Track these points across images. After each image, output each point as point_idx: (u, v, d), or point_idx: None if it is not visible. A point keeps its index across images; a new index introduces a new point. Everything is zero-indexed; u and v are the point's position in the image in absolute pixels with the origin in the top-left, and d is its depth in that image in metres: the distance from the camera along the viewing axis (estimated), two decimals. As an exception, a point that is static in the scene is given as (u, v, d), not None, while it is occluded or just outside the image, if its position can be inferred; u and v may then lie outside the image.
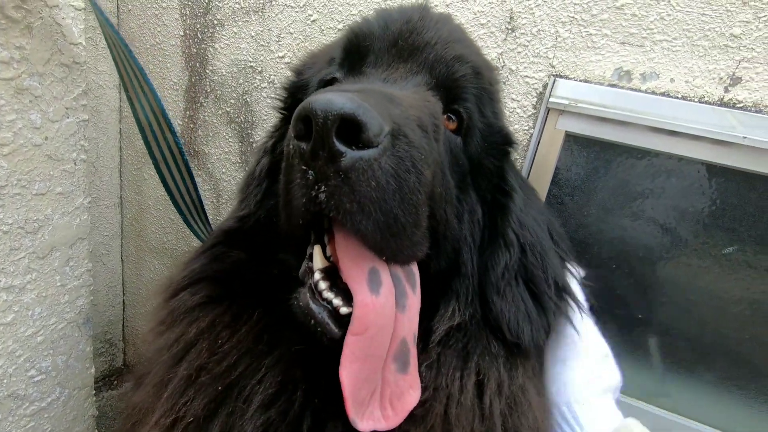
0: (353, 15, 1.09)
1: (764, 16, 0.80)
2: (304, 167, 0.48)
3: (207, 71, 1.30)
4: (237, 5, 1.21)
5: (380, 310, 0.51)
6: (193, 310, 0.69)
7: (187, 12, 1.28)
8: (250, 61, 1.23)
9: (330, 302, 0.54)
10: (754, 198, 0.87)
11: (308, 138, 0.46)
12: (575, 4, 0.90)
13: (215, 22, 1.25)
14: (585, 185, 0.99)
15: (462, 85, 0.67)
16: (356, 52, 0.70)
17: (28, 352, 1.10)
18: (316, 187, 0.47)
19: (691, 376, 1.00)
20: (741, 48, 0.82)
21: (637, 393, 1.04)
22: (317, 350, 0.55)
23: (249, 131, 1.30)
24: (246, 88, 1.26)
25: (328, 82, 0.71)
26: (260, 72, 1.23)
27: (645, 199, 0.95)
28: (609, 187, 0.97)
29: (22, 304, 1.05)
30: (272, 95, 1.23)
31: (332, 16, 1.11)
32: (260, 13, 1.19)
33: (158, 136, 1.03)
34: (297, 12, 1.15)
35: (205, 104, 1.34)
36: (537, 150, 0.98)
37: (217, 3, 1.23)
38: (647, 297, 1.00)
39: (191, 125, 1.37)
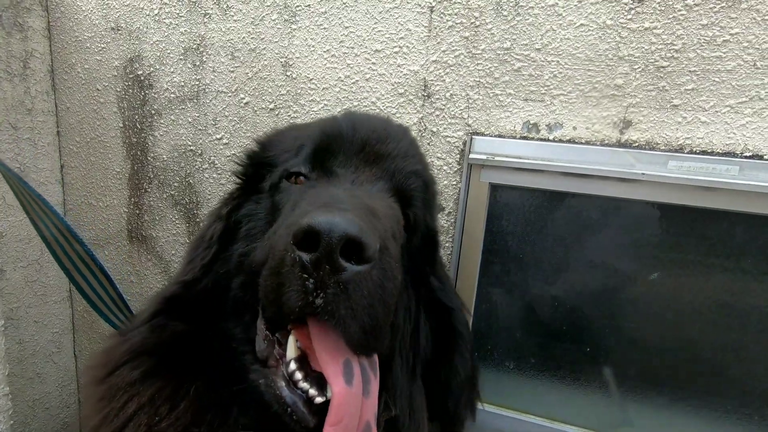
0: (282, 95, 1.15)
1: (639, 68, 0.90)
2: (304, 275, 0.52)
3: (149, 158, 1.33)
4: (172, 95, 1.26)
5: (353, 399, 0.56)
6: (133, 384, 0.68)
7: (125, 105, 1.32)
8: (190, 145, 1.27)
9: (306, 392, 0.58)
10: (665, 226, 0.95)
11: (311, 250, 0.52)
12: (479, 70, 1.00)
13: (153, 111, 1.29)
14: (516, 230, 1.04)
15: (415, 195, 0.78)
16: (326, 151, 0.76)
17: None
18: (315, 294, 0.52)
19: (646, 401, 1.02)
20: (626, 96, 0.92)
21: (600, 425, 1.05)
22: None
23: (195, 211, 1.31)
24: (188, 171, 1.29)
25: (295, 175, 0.76)
26: (200, 154, 1.27)
27: (572, 237, 1.01)
28: (537, 230, 1.03)
29: None
30: (214, 175, 1.27)
31: (263, 98, 1.17)
32: (195, 100, 1.24)
33: (66, 248, 1.06)
34: (230, 96, 1.21)
35: (149, 190, 1.35)
36: (467, 202, 1.04)
37: (153, 94, 1.28)
38: (592, 330, 1.04)
39: (137, 211, 1.38)
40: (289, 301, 0.53)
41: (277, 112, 1.17)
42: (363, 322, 0.54)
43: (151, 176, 1.34)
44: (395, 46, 1.05)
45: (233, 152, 1.23)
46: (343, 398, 0.54)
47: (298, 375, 0.58)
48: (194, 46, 1.21)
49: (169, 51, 1.24)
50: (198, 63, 1.22)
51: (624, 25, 0.90)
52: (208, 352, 0.70)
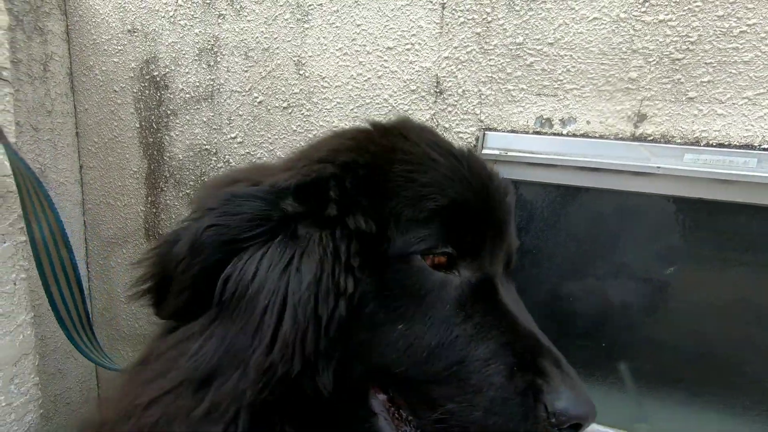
0: (295, 93, 1.17)
1: (653, 60, 0.90)
2: None
3: (165, 157, 1.36)
4: (187, 95, 1.28)
5: None
6: None
7: (141, 106, 1.35)
8: (205, 144, 1.30)
9: None
10: (681, 220, 0.94)
11: (562, 429, 0.54)
12: (491, 65, 1.00)
13: (168, 112, 1.32)
14: (529, 225, 1.04)
15: None
16: (472, 240, 0.63)
17: None
18: None
19: (662, 397, 1.02)
20: (640, 89, 0.92)
21: (616, 421, 1.05)
22: None
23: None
24: (203, 170, 1.31)
25: (439, 256, 0.61)
26: (215, 153, 1.29)
27: (586, 232, 1.01)
28: (551, 225, 1.03)
29: None
30: (228, 174, 1.29)
31: (276, 97, 1.19)
32: (210, 100, 1.26)
33: (52, 254, 1.06)
34: (244, 96, 1.22)
35: (165, 189, 1.38)
36: (480, 198, 1.04)
37: (168, 95, 1.31)
38: (607, 325, 1.04)
39: (154, 210, 1.41)
40: None
41: (290, 111, 1.18)
42: None
43: (168, 175, 1.37)
44: (407, 43, 1.05)
45: (247, 151, 1.25)
46: None
47: None
48: (209, 47, 1.23)
49: (184, 52, 1.26)
50: (212, 63, 1.24)
51: (638, 18, 0.89)
52: None
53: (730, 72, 0.86)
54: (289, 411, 0.56)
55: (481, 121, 1.03)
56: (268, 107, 1.20)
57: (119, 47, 1.34)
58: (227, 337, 0.56)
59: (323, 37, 1.12)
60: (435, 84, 1.05)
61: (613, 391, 1.05)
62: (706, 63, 0.87)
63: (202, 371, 0.55)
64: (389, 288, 0.59)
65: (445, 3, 1.01)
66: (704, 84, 0.88)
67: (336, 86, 1.13)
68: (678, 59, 0.88)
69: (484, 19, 0.99)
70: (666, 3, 0.87)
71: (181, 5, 1.23)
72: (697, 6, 0.85)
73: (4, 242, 1.06)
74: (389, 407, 0.61)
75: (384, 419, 0.60)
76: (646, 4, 0.88)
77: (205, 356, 0.55)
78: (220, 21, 1.20)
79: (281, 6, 1.14)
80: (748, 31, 0.83)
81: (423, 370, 0.58)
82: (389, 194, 0.61)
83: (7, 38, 1.06)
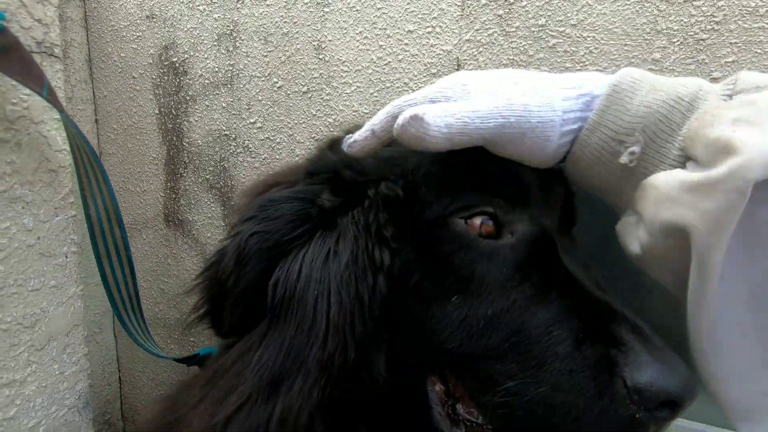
0: (315, 78, 1.17)
1: (677, 41, 0.90)
2: (642, 430, 0.46)
3: (184, 143, 1.37)
4: (206, 80, 1.29)
5: None
6: None
7: (160, 92, 1.36)
8: (224, 130, 1.31)
9: None
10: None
11: (661, 410, 0.46)
12: (513, 48, 1.00)
13: (187, 98, 1.33)
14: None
15: None
16: (517, 187, 0.59)
17: None
18: None
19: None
20: (663, 70, 0.92)
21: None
22: None
23: (229, 195, 1.35)
24: (223, 155, 1.33)
25: (479, 216, 0.56)
26: (234, 139, 1.30)
27: (605, 218, 1.01)
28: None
29: (24, 397, 1.08)
30: (248, 159, 1.30)
31: (296, 81, 1.20)
32: (229, 86, 1.27)
33: (106, 232, 1.09)
34: (263, 81, 1.23)
35: (184, 174, 1.39)
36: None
37: (187, 80, 1.32)
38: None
39: (173, 196, 1.42)
40: None
41: (310, 95, 1.19)
42: None
43: (187, 161, 1.38)
44: (428, 26, 1.06)
45: (267, 136, 1.26)
46: None
47: None
48: (228, 32, 1.24)
49: (203, 37, 1.27)
50: (231, 48, 1.24)
51: (662, -2, 0.89)
52: None
53: (756, 52, 0.86)
54: (358, 408, 0.55)
55: (502, 104, 1.03)
56: (288, 92, 1.21)
57: (137, 33, 1.34)
58: (285, 339, 0.55)
59: (343, 21, 1.12)
60: (456, 67, 1.05)
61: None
62: (731, 43, 0.87)
63: (267, 379, 0.54)
64: (433, 257, 0.55)
65: (466, -15, 1.01)
66: (729, 64, 0.88)
67: (356, 70, 1.13)
68: (702, 39, 0.88)
69: (506, 0, 0.99)
70: (691, -17, 0.87)
71: (199, -10, 1.24)
72: (724, -15, 0.85)
73: (57, 216, 1.10)
74: (445, 401, 0.55)
75: (438, 413, 0.55)
76: (671, -16, 0.88)
77: (267, 364, 0.55)
78: (239, 6, 1.21)
79: (301, -10, 1.14)
80: (775, 10, 0.83)
81: (479, 344, 0.52)
82: (407, 151, 0.57)
83: (58, 15, 1.08)
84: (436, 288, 0.54)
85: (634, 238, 0.53)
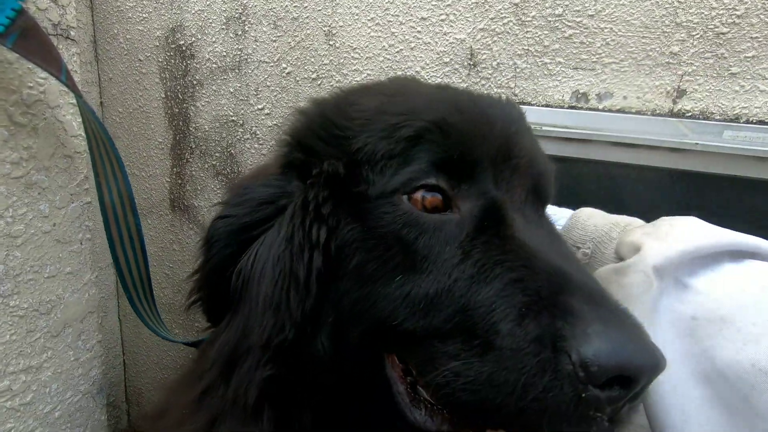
0: (325, 65, 1.16)
1: (697, 34, 0.88)
2: (597, 414, 0.42)
3: (190, 128, 1.36)
4: (214, 65, 1.27)
5: None
6: None
7: (167, 75, 1.34)
8: (232, 116, 1.29)
9: None
10: (714, 197, 0.94)
11: (614, 388, 0.41)
12: (528, 38, 0.98)
13: (194, 82, 1.31)
14: (562, 202, 1.04)
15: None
16: (464, 161, 0.55)
17: (48, 428, 1.14)
18: (598, 425, 0.42)
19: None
20: (681, 64, 0.90)
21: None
22: None
23: (236, 181, 1.34)
24: (229, 141, 1.32)
25: (425, 189, 0.54)
26: (242, 125, 1.29)
27: (619, 208, 1.01)
28: (583, 201, 1.03)
29: (40, 383, 1.09)
30: (256, 146, 1.28)
31: (305, 68, 1.18)
32: (237, 71, 1.25)
33: (119, 218, 1.09)
34: (272, 66, 1.21)
35: (191, 160, 1.38)
36: (511, 173, 1.04)
37: (195, 64, 1.30)
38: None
39: (179, 181, 1.42)
40: (553, 427, 0.42)
41: (319, 82, 1.17)
42: None
43: (193, 146, 1.37)
44: (441, 14, 1.04)
45: (275, 122, 1.24)
46: None
47: None
48: (236, 15, 1.21)
49: (211, 20, 1.25)
50: (240, 32, 1.22)
51: (683, -10, 0.87)
52: None
53: (776, 47, 0.84)
54: (310, 387, 0.55)
55: (516, 95, 1.02)
56: (297, 78, 1.19)
57: (144, 15, 1.32)
58: (240, 322, 0.57)
59: (355, 7, 1.10)
60: (469, 56, 1.04)
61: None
62: (751, 37, 0.85)
63: (225, 361, 0.57)
64: (376, 236, 0.52)
65: (481, -28, 0.99)
66: (748, 59, 0.86)
67: (367, 57, 1.11)
68: (722, 33, 0.87)
69: (522, -11, 0.97)
70: (714, -26, 0.85)
71: (208, -28, 1.21)
72: (747, -22, 0.83)
73: (72, 203, 1.10)
74: (404, 380, 0.53)
75: (398, 393, 0.53)
76: (693, -24, 0.86)
77: (226, 347, 0.57)
78: (248, -11, 1.19)
79: (312, -26, 1.12)
80: (799, 4, 0.81)
81: (423, 324, 0.49)
82: (355, 131, 0.56)
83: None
84: (379, 268, 0.52)
85: None
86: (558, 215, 0.78)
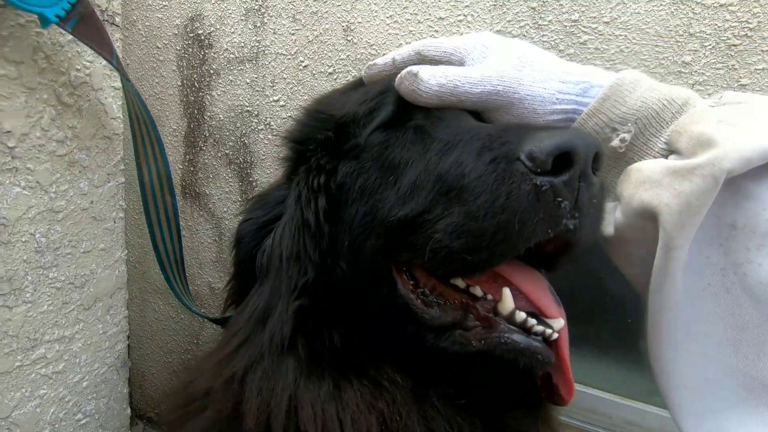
0: (342, 60, 1.18)
1: (709, 45, 0.90)
2: (558, 199, 0.48)
3: (205, 117, 1.38)
4: (232, 55, 1.29)
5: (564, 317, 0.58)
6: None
7: (184, 63, 1.36)
8: (247, 106, 1.31)
9: (542, 333, 0.55)
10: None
11: (563, 172, 0.47)
12: (543, 41, 1.00)
13: (211, 71, 1.33)
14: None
15: None
16: None
17: (76, 397, 1.19)
18: (569, 215, 0.49)
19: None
20: (693, 73, 0.92)
21: (635, 395, 1.10)
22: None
23: (248, 171, 1.36)
24: (243, 131, 1.34)
25: (394, 122, 0.67)
26: (256, 116, 1.31)
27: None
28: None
29: (71, 353, 1.14)
30: (270, 136, 1.30)
31: (322, 62, 1.20)
32: (254, 62, 1.27)
33: (158, 197, 1.14)
34: (289, 59, 1.23)
35: (204, 148, 1.40)
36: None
37: (212, 54, 1.32)
38: (632, 301, 1.07)
39: (191, 168, 1.44)
40: (536, 232, 0.49)
41: (335, 77, 1.19)
42: (596, 228, 0.53)
43: (207, 135, 1.39)
44: (459, 14, 1.06)
45: (290, 114, 1.26)
46: (565, 329, 0.57)
47: (532, 321, 0.55)
48: (256, 7, 1.23)
49: (230, 11, 1.26)
50: (259, 24, 1.24)
51: (698, 1, 0.89)
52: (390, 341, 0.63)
53: (786, 61, 0.86)
54: (334, 313, 0.64)
55: (529, 97, 1.04)
56: (313, 72, 1.21)
57: (164, 2, 1.34)
58: (267, 287, 0.68)
59: (374, 4, 1.12)
60: (484, 57, 1.05)
61: (637, 365, 1.10)
62: (762, 50, 0.87)
63: (257, 317, 0.66)
64: (371, 159, 0.64)
65: (500, -25, 1.00)
66: (758, 71, 0.88)
67: (384, 54, 1.13)
68: (734, 45, 0.89)
69: (540, -7, 0.99)
70: (729, -13, 0.87)
71: (229, -37, 1.23)
72: (761, -8, 0.85)
73: (108, 182, 1.15)
74: (414, 293, 0.61)
75: (413, 305, 0.60)
76: (708, -12, 0.88)
77: (257, 307, 0.67)
78: (269, -19, 1.20)
79: (333, -31, 1.13)
80: (810, 20, 0.83)
81: (414, 206, 0.57)
82: (337, 107, 0.72)
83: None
84: (377, 179, 0.63)
85: (609, 221, 0.57)
86: (590, 79, 0.61)
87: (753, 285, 0.45)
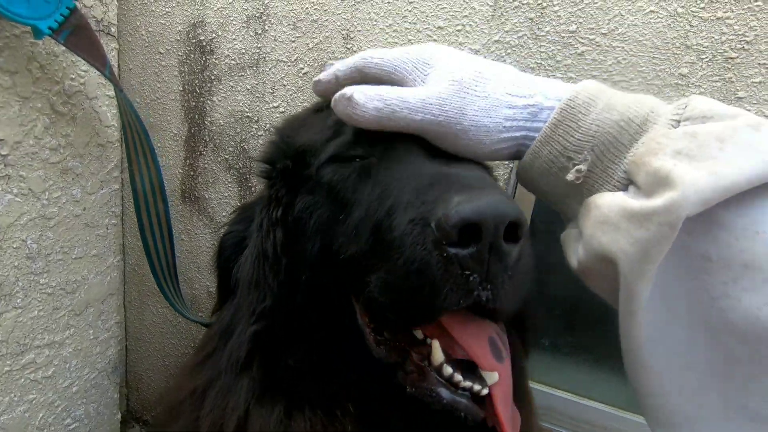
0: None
1: (706, 58, 0.90)
2: (466, 272, 0.46)
3: (206, 122, 1.39)
4: (233, 62, 1.30)
5: (507, 374, 0.54)
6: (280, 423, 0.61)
7: (186, 69, 1.37)
8: (247, 112, 1.32)
9: (470, 389, 0.53)
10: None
11: (470, 245, 0.45)
12: (541, 52, 1.01)
13: (212, 77, 1.34)
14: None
15: None
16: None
17: (65, 402, 1.19)
18: (481, 287, 0.47)
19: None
20: (690, 85, 0.93)
21: (634, 407, 1.09)
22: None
23: (247, 176, 1.37)
24: (243, 137, 1.34)
25: (346, 159, 0.66)
26: (256, 121, 1.31)
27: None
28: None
29: (62, 358, 1.14)
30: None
31: (322, 69, 1.20)
32: (255, 68, 1.28)
33: (150, 204, 1.15)
34: (289, 66, 1.24)
35: (204, 153, 1.41)
36: (518, 184, 1.07)
37: (214, 60, 1.33)
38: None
39: (191, 173, 1.44)
40: (446, 302, 0.47)
41: (335, 84, 1.20)
42: (520, 296, 0.51)
43: (207, 140, 1.40)
44: (458, 24, 1.06)
45: (289, 121, 1.27)
46: (505, 382, 0.53)
47: (458, 377, 0.53)
48: (257, 15, 1.24)
49: (232, 18, 1.28)
50: (260, 31, 1.25)
51: (695, 14, 0.89)
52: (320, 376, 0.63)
53: (783, 74, 0.86)
54: (291, 338, 0.65)
55: (526, 107, 1.04)
56: (313, 79, 1.22)
57: (167, 9, 1.35)
58: (236, 303, 0.71)
59: (374, 12, 1.13)
60: (482, 67, 1.06)
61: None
62: (759, 63, 0.88)
63: (222, 331, 0.70)
64: (323, 194, 0.64)
65: (499, -14, 1.01)
66: (755, 84, 0.88)
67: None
68: (731, 58, 0.89)
69: (539, 4, 0.99)
70: (726, 0, 0.87)
71: (232, -29, 1.24)
72: (758, 5, 0.85)
73: (102, 189, 1.15)
74: (368, 327, 0.60)
75: (366, 337, 0.60)
76: (705, 0, 0.88)
77: (224, 321, 0.72)
78: (270, -11, 1.21)
79: (334, -22, 1.14)
80: (807, 34, 0.84)
81: (357, 249, 0.57)
82: (298, 133, 0.73)
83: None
84: (330, 216, 0.63)
85: (573, 252, 0.54)
86: (540, 101, 0.54)
87: (735, 321, 0.42)
